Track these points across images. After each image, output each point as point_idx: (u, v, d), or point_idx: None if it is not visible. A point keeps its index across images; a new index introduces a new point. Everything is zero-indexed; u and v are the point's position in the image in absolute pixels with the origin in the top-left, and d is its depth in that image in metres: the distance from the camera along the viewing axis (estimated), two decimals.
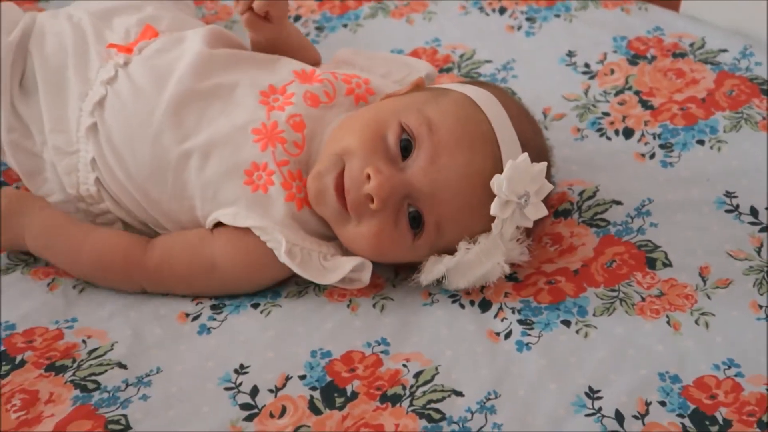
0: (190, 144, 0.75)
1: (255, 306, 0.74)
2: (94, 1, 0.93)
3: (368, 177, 0.69)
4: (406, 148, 0.71)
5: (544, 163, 0.71)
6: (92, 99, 0.79)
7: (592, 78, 0.96)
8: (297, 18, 1.11)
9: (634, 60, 0.96)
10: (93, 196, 0.79)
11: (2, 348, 0.69)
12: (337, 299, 0.74)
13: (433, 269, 0.71)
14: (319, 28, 1.10)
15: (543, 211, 0.71)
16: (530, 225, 0.71)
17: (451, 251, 0.71)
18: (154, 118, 0.76)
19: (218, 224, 0.75)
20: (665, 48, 0.97)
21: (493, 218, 0.70)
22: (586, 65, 0.97)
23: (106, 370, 0.67)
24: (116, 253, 0.74)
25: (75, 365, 0.68)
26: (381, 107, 0.76)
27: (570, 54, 0.99)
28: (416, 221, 0.70)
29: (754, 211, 0.78)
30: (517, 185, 0.68)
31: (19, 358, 0.69)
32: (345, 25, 1.09)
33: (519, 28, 1.04)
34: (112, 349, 0.69)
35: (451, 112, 0.72)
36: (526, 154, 0.70)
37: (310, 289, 0.76)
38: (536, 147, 0.76)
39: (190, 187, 0.75)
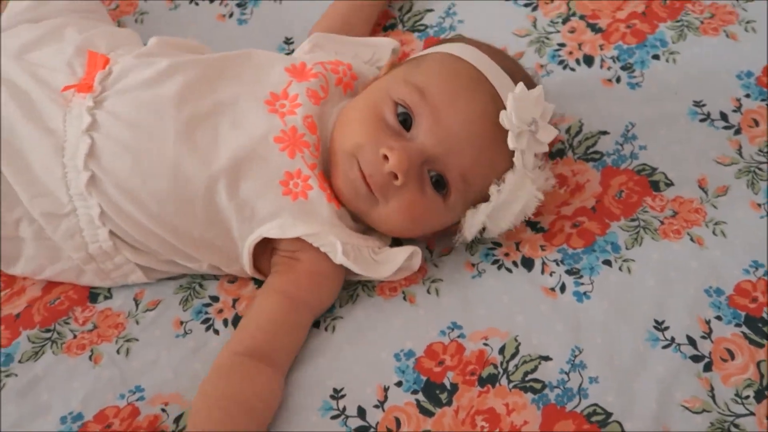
0: (215, 167, 0.72)
1: (316, 325, 0.74)
2: None
3: (384, 157, 0.70)
4: (406, 120, 0.73)
5: (540, 87, 0.75)
6: (79, 151, 0.72)
7: (534, 9, 0.98)
8: None
9: None
10: (107, 252, 0.74)
11: None
12: (389, 294, 0.76)
13: (474, 221, 0.74)
14: (241, 5, 1.04)
15: (553, 132, 0.74)
16: (546, 149, 0.75)
17: (485, 199, 0.74)
18: (167, 150, 0.72)
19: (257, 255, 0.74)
20: None
21: (512, 154, 0.73)
22: None
23: None
24: (279, 401, 0.68)
25: None
26: (369, 92, 0.76)
27: None
28: (440, 184, 0.73)
29: (723, 116, 0.86)
30: (524, 113, 0.71)
31: None
32: None
33: None
34: None
35: (434, 71, 0.75)
36: (521, 83, 0.73)
37: (359, 289, 0.77)
38: (523, 75, 0.79)
39: (224, 211, 0.72)
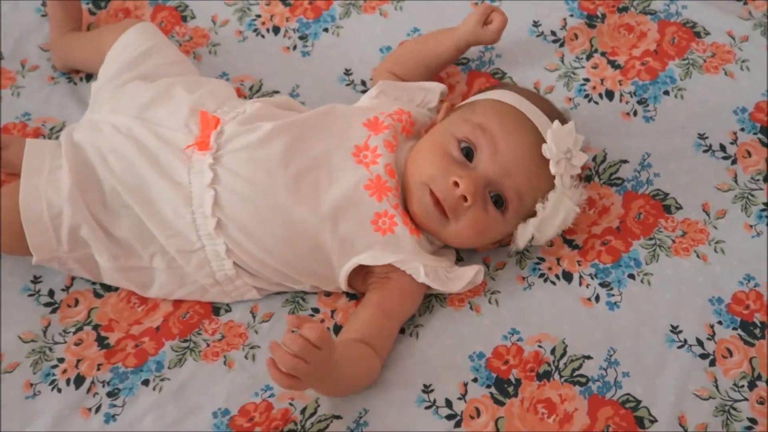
0: (320, 214, 0.89)
1: (402, 332, 0.92)
2: (104, 90, 0.98)
3: (455, 184, 0.88)
4: (468, 153, 0.91)
5: (572, 123, 0.93)
6: (205, 201, 0.88)
7: (561, 45, 1.14)
8: (276, 29, 1.18)
9: (590, 22, 1.15)
10: (230, 278, 0.91)
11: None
12: (458, 305, 0.94)
13: (525, 233, 0.92)
14: (303, 38, 1.18)
15: (584, 157, 0.93)
16: (579, 171, 0.93)
17: (531, 215, 0.92)
18: (280, 201, 0.88)
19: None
20: (609, 4, 1.16)
21: (552, 177, 0.91)
22: (553, 33, 1.15)
23: (327, 425, 0.85)
24: (376, 373, 0.87)
25: (300, 427, 0.85)
26: (435, 134, 0.95)
27: (536, 24, 1.16)
28: (498, 202, 0.91)
29: (722, 147, 1.04)
30: (561, 145, 0.90)
31: None
32: (326, 30, 1.18)
33: (482, 2, 1.18)
34: (318, 405, 0.86)
35: (490, 113, 0.93)
36: (556, 121, 0.92)
37: (433, 301, 0.95)
38: (556, 114, 0.97)
39: (327, 247, 0.89)
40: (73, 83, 1.15)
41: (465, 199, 0.88)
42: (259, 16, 1.19)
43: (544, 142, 0.90)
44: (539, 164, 0.90)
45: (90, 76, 1.14)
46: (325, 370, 0.79)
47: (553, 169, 0.90)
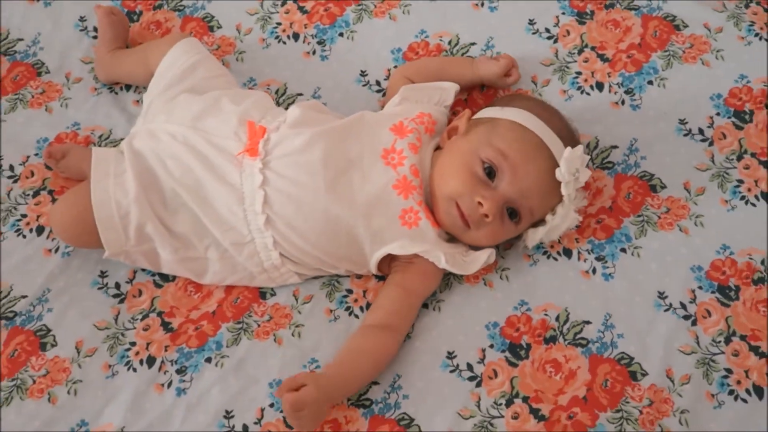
0: (355, 210, 1.02)
1: (426, 306, 1.06)
2: (157, 100, 1.10)
3: (479, 203, 1.01)
4: (490, 173, 1.03)
5: (581, 146, 1.05)
6: (257, 201, 1.01)
7: (555, 42, 1.26)
8: (296, 36, 1.30)
9: (581, 19, 1.27)
10: (276, 266, 1.04)
11: None
12: (474, 282, 1.08)
13: (535, 237, 1.06)
14: (321, 42, 1.29)
15: (588, 173, 1.06)
16: (583, 185, 1.07)
17: (541, 222, 1.06)
18: (320, 199, 1.02)
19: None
20: (597, 1, 1.28)
21: (561, 194, 1.04)
22: (547, 30, 1.27)
23: (367, 389, 0.99)
24: (391, 354, 1.00)
25: None
26: (461, 150, 1.06)
27: (531, 22, 1.28)
28: (513, 214, 1.04)
29: (701, 131, 1.17)
30: (571, 168, 1.03)
31: None
32: (341, 34, 1.30)
33: (482, 4, 1.29)
34: None
35: (511, 139, 1.05)
36: (569, 148, 1.04)
37: (452, 279, 1.08)
38: (568, 135, 1.09)
39: (361, 238, 1.03)
40: (114, 93, 1.27)
41: (486, 216, 1.01)
42: (279, 23, 1.31)
43: (558, 165, 1.02)
44: (552, 186, 1.03)
45: (129, 87, 1.27)
46: (319, 414, 0.93)
47: (563, 191, 1.03)
